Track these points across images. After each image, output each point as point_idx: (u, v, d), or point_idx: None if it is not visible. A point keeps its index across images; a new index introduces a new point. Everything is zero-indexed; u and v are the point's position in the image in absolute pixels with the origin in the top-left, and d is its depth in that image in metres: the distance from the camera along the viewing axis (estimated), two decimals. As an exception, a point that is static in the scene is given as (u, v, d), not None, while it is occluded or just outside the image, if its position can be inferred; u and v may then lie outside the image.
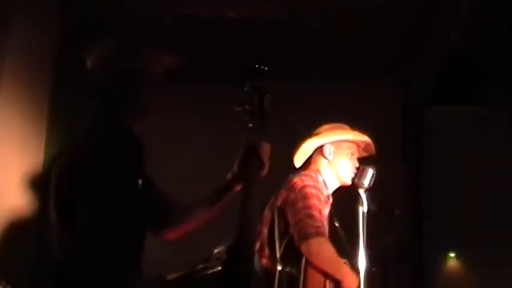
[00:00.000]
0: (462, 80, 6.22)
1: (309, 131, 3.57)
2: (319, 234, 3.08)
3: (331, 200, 3.42)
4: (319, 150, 3.45)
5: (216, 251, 2.15)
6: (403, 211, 6.02)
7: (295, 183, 3.26)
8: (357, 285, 3.10)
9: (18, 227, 4.01)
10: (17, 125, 4.21)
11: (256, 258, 3.10)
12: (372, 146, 3.50)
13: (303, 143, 3.48)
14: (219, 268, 2.07)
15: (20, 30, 4.23)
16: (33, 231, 4.16)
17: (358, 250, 3.12)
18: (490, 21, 5.38)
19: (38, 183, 4.16)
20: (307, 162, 3.51)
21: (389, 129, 6.46)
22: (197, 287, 2.11)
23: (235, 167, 2.29)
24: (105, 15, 5.18)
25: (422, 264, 6.57)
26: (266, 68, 2.24)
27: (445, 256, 6.79)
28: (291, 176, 3.36)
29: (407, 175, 6.61)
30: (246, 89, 2.24)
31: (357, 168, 3.36)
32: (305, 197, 3.17)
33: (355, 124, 3.55)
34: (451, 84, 6.24)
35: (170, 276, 2.15)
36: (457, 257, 6.78)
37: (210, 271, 2.10)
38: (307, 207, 3.13)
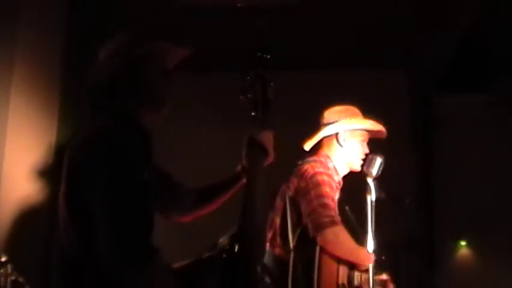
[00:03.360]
0: (472, 68, 6.20)
1: (316, 122, 3.54)
2: (334, 223, 3.06)
3: (341, 184, 3.40)
4: (333, 135, 3.42)
5: (221, 240, 2.14)
6: (414, 199, 6.06)
7: (306, 170, 3.23)
8: (371, 261, 3.10)
9: (29, 217, 4.03)
10: (29, 115, 4.23)
11: (268, 248, 3.12)
12: (385, 133, 3.47)
13: (320, 129, 3.44)
14: (224, 256, 2.06)
15: (29, 21, 4.24)
16: (44, 220, 4.17)
17: (367, 237, 3.11)
18: (501, 8, 5.34)
19: (49, 173, 4.18)
20: (317, 146, 3.47)
21: (399, 117, 6.43)
22: (202, 275, 2.10)
23: (243, 160, 2.30)
24: (113, 6, 5.18)
25: (433, 252, 6.57)
26: (268, 57, 2.24)
27: (456, 244, 6.78)
28: (300, 162, 3.34)
29: (418, 163, 6.62)
30: (248, 78, 2.23)
31: (366, 156, 3.32)
32: (317, 184, 3.15)
33: (364, 112, 3.53)
34: (461, 72, 6.23)
35: (176, 265, 2.14)
36: (468, 245, 6.77)
37: (215, 260, 2.09)
38: (320, 195, 3.11)
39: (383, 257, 3.32)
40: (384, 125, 3.50)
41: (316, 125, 3.50)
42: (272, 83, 2.24)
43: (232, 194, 2.41)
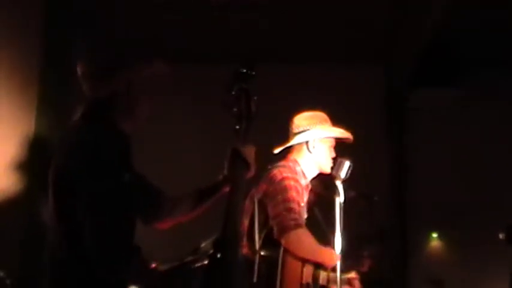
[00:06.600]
0: (444, 63, 6.37)
1: (292, 115, 3.73)
2: (297, 226, 3.29)
3: (310, 187, 3.64)
4: (303, 142, 3.63)
5: (202, 244, 2.33)
6: (387, 193, 6.30)
7: (274, 175, 3.46)
8: (336, 261, 3.29)
9: (7, 209, 4.16)
10: (7, 108, 4.36)
11: None
12: (351, 139, 3.69)
13: (290, 137, 3.65)
14: (206, 261, 2.25)
15: (7, 16, 4.37)
16: (22, 213, 4.31)
17: (335, 238, 3.30)
18: (471, 4, 5.52)
19: (27, 166, 4.30)
20: (286, 150, 3.68)
21: (373, 112, 6.67)
22: (185, 279, 2.30)
23: (225, 170, 2.49)
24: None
25: (406, 245, 6.81)
26: (253, 73, 2.41)
27: (427, 236, 7.04)
28: (269, 167, 3.55)
29: (391, 157, 6.86)
30: (233, 93, 2.41)
31: (334, 159, 3.53)
32: (284, 189, 3.38)
33: (337, 108, 3.69)
34: (433, 67, 6.38)
35: (160, 267, 2.34)
36: (439, 236, 7.02)
37: (197, 264, 2.29)
38: (286, 200, 3.34)
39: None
40: (357, 119, 3.67)
41: (287, 125, 3.70)
42: (256, 98, 2.43)
43: (213, 203, 2.59)
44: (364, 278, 3.69)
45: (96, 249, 2.08)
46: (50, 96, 4.73)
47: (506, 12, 5.61)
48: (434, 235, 7.07)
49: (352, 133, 3.70)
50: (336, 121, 3.73)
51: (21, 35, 4.56)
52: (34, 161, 4.35)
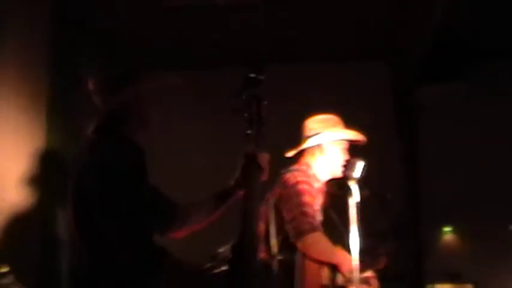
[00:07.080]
0: (451, 58, 6.37)
1: (299, 114, 3.77)
2: (313, 229, 3.34)
3: (323, 190, 3.66)
4: (315, 145, 3.66)
5: (221, 250, 2.36)
6: (400, 190, 6.30)
7: (288, 179, 3.51)
8: (351, 263, 3.27)
9: (22, 224, 4.16)
10: (17, 121, 4.38)
11: None
12: (364, 141, 3.70)
13: (303, 140, 3.67)
14: (225, 267, 2.27)
15: (18, 29, 4.41)
16: (37, 226, 4.33)
17: (351, 238, 3.30)
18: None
19: (40, 178, 4.32)
20: (299, 153, 3.73)
21: (382, 109, 6.68)
22: (205, 286, 2.33)
23: (237, 174, 2.51)
24: (96, 7, 5.32)
25: (420, 240, 6.81)
26: (262, 77, 2.44)
27: (442, 230, 7.03)
28: (283, 171, 3.59)
29: (401, 154, 6.84)
30: (244, 98, 2.44)
31: (347, 161, 3.54)
32: (298, 193, 3.43)
33: (345, 108, 3.72)
34: (440, 62, 6.36)
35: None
36: (454, 230, 7.01)
37: (216, 270, 2.31)
38: (300, 204, 3.40)
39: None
40: (365, 117, 3.67)
41: (288, 126, 3.72)
42: (266, 102, 2.45)
43: (226, 209, 2.64)
44: (380, 276, 3.71)
45: (129, 257, 2.11)
46: (59, 106, 4.76)
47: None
48: (449, 229, 7.05)
49: (361, 132, 3.71)
50: (344, 122, 3.75)
51: (29, 46, 4.58)
52: (46, 173, 4.37)
